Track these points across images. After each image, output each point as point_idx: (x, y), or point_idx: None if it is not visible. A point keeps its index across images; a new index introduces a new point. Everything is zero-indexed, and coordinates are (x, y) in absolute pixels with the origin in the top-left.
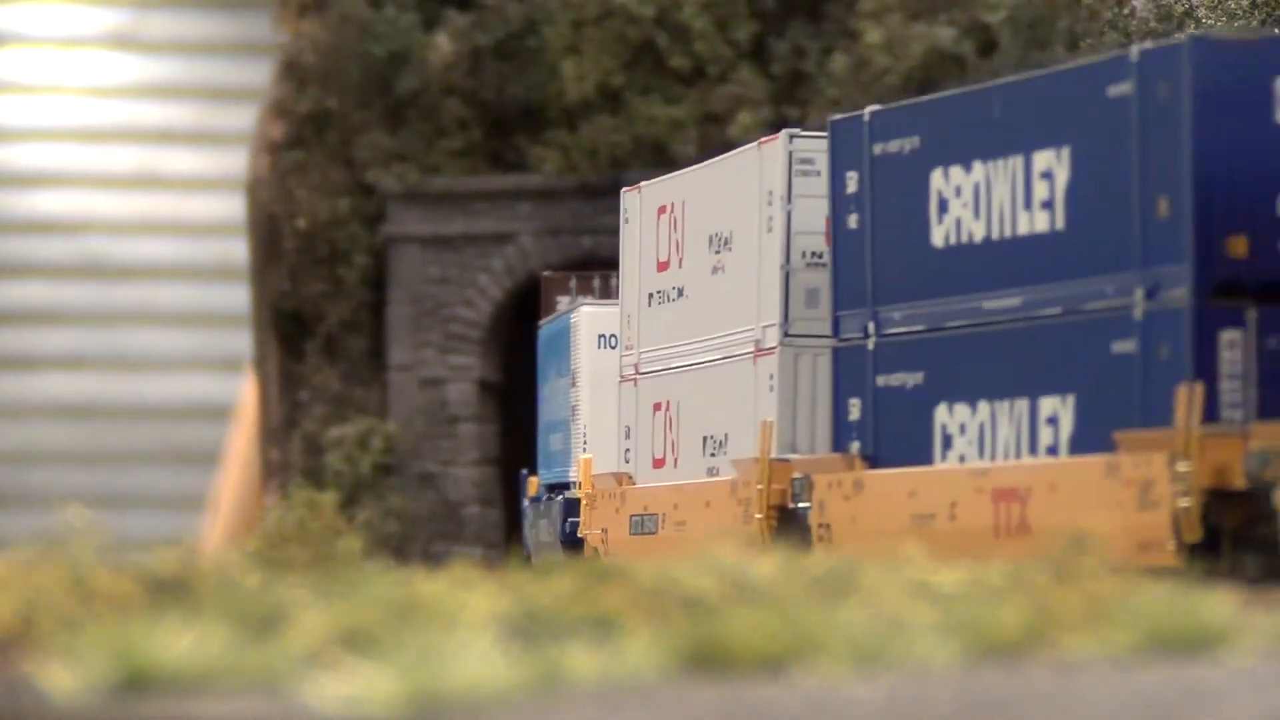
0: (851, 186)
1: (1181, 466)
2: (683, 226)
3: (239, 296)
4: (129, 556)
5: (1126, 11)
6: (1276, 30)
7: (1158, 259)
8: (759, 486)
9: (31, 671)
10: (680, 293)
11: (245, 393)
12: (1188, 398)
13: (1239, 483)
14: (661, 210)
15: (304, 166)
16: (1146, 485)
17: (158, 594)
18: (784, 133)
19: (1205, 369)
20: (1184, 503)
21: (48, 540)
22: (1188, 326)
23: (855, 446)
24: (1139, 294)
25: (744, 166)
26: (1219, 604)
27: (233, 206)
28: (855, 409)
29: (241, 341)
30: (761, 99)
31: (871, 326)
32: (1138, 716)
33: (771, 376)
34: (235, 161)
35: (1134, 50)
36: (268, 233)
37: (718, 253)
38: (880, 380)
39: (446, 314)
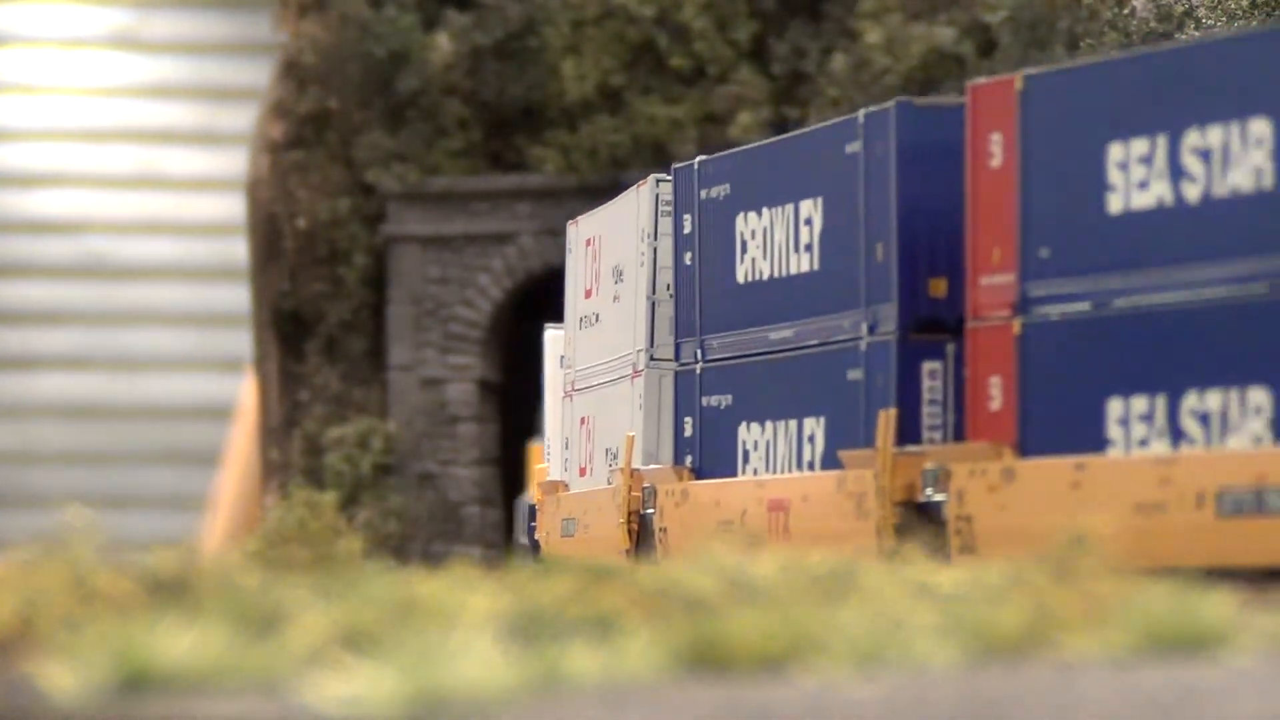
0: (687, 228)
1: (880, 482)
2: (599, 258)
3: (239, 296)
4: (129, 556)
5: (1126, 11)
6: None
7: (876, 298)
8: (624, 495)
9: (31, 671)
10: (596, 318)
11: (245, 393)
12: (885, 422)
13: (921, 497)
14: (588, 242)
15: (304, 166)
16: (861, 498)
17: (158, 594)
18: (652, 177)
19: (910, 395)
20: (884, 512)
21: (48, 540)
22: (894, 358)
23: (688, 460)
24: (864, 328)
25: (630, 205)
26: (1219, 604)
27: (233, 206)
28: (688, 426)
29: (241, 341)
30: (761, 99)
31: (699, 353)
32: (1138, 717)
33: (640, 396)
34: (235, 161)
35: (861, 113)
36: (268, 233)
37: (616, 283)
38: (705, 401)
39: (446, 314)
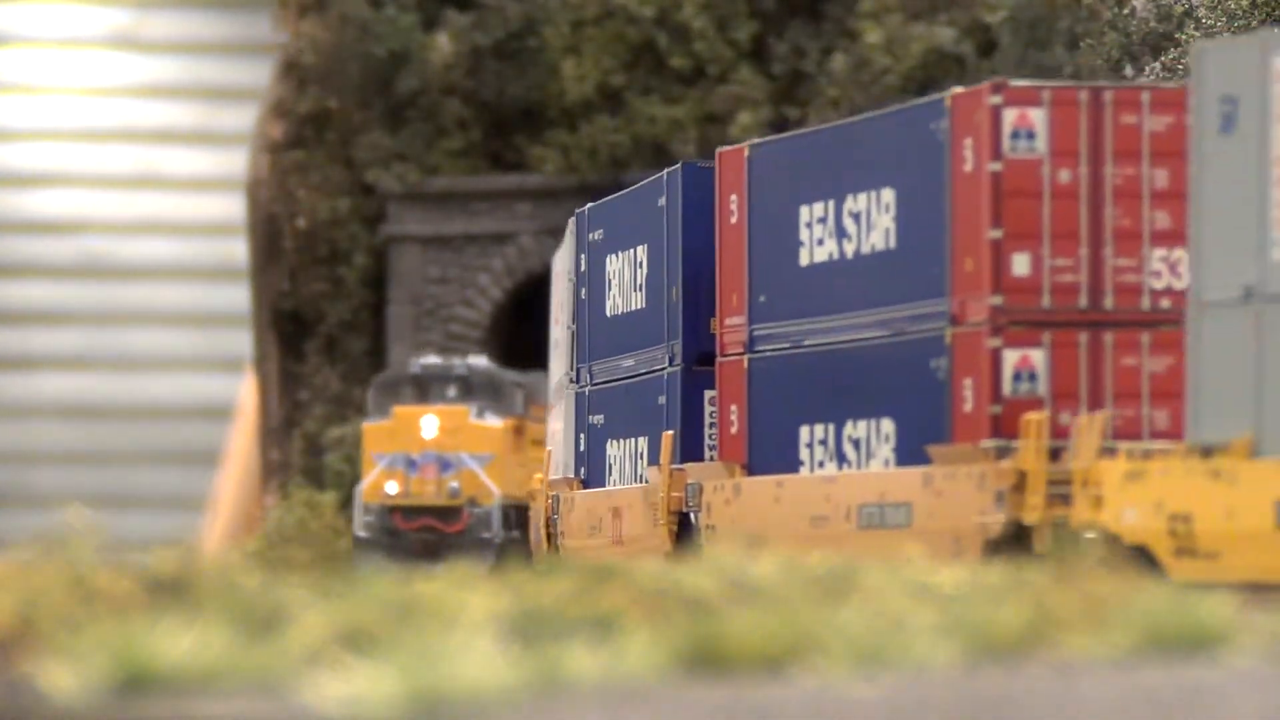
0: (582, 266)
1: (661, 495)
2: (559, 288)
3: (239, 296)
4: (129, 556)
5: (1126, 11)
6: (1276, 30)
7: (673, 334)
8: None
9: (32, 671)
10: (556, 343)
11: (245, 393)
12: (666, 444)
13: (685, 508)
14: (556, 275)
15: (304, 166)
16: (655, 508)
17: (158, 594)
18: (576, 214)
19: (693, 419)
20: (664, 521)
21: (48, 540)
22: (679, 386)
23: (581, 471)
24: (666, 360)
25: (566, 241)
26: (1217, 605)
27: (233, 206)
28: (582, 441)
29: (242, 341)
30: (761, 99)
31: (588, 377)
32: (1137, 716)
33: (564, 413)
34: (235, 162)
35: (666, 171)
36: (268, 233)
37: (562, 313)
38: (590, 419)
39: (446, 314)
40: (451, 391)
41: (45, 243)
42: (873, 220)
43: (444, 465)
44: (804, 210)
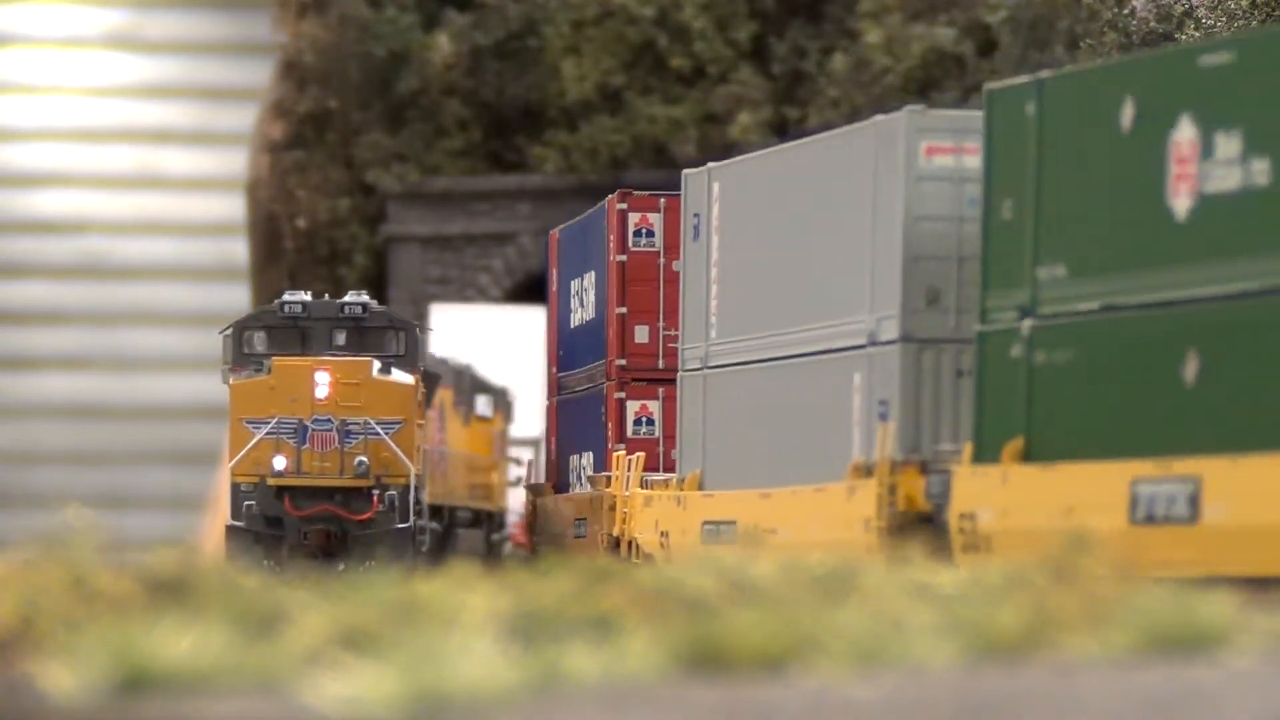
0: (555, 285)
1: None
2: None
3: (239, 296)
4: (129, 556)
5: (1126, 12)
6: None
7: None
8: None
9: (32, 671)
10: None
11: None
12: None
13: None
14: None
15: (304, 166)
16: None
17: (158, 594)
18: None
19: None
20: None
21: (48, 540)
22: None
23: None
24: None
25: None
26: (1218, 605)
27: (233, 206)
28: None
29: None
30: (762, 99)
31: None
32: (1137, 716)
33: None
34: (235, 161)
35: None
36: (268, 233)
37: None
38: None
39: None
40: (341, 338)
41: (45, 242)
42: (585, 297)
43: (344, 434)
44: (572, 283)
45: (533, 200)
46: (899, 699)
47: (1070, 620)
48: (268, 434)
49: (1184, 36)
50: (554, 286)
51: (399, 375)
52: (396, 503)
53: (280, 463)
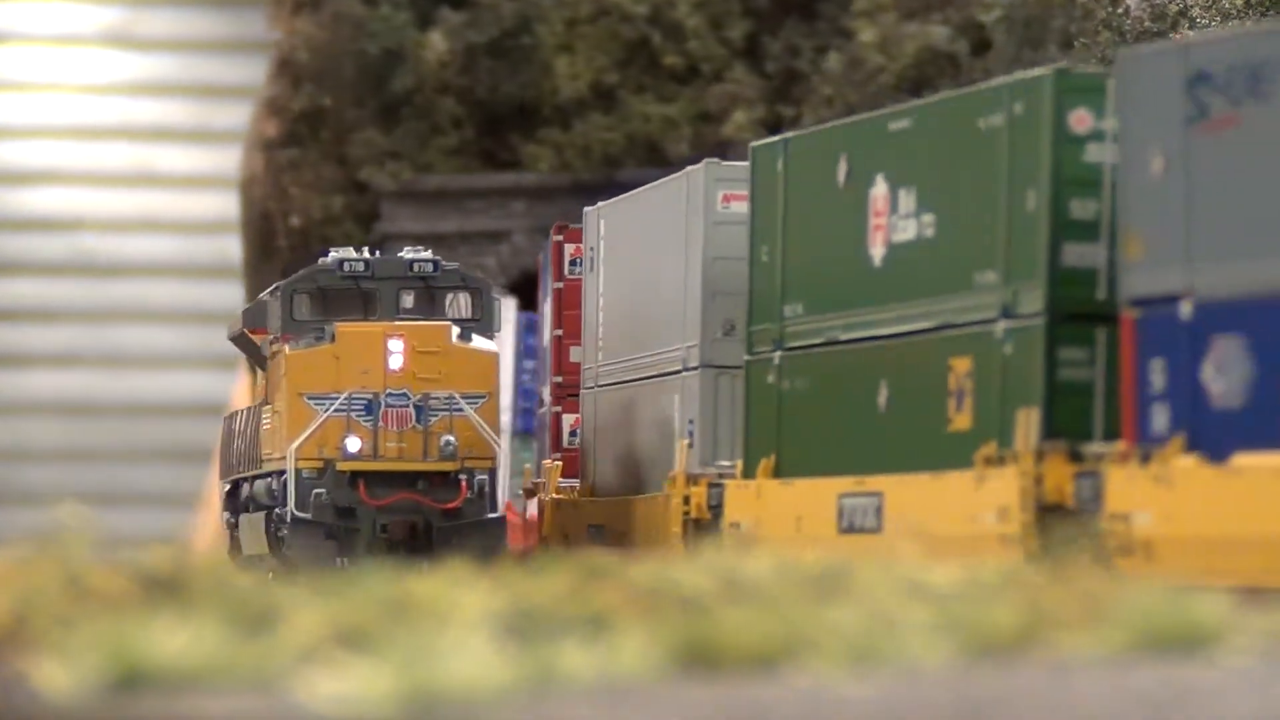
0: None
1: None
2: None
3: (233, 294)
4: (123, 554)
5: (1121, 11)
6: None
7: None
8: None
9: (26, 669)
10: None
11: (238, 390)
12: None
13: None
14: None
15: (298, 164)
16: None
17: (152, 591)
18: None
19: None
20: None
21: (42, 537)
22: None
23: None
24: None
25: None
26: (1212, 603)
27: (227, 204)
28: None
29: None
30: (755, 98)
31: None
32: (1132, 716)
33: None
34: (229, 159)
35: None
36: (262, 230)
37: None
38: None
39: None
40: (408, 300)
41: (39, 240)
42: (544, 320)
43: (421, 411)
44: (544, 306)
45: (526, 198)
46: (892, 698)
47: (1064, 619)
48: (334, 412)
49: (1178, 36)
50: (539, 309)
51: (480, 342)
52: (486, 489)
53: (354, 444)
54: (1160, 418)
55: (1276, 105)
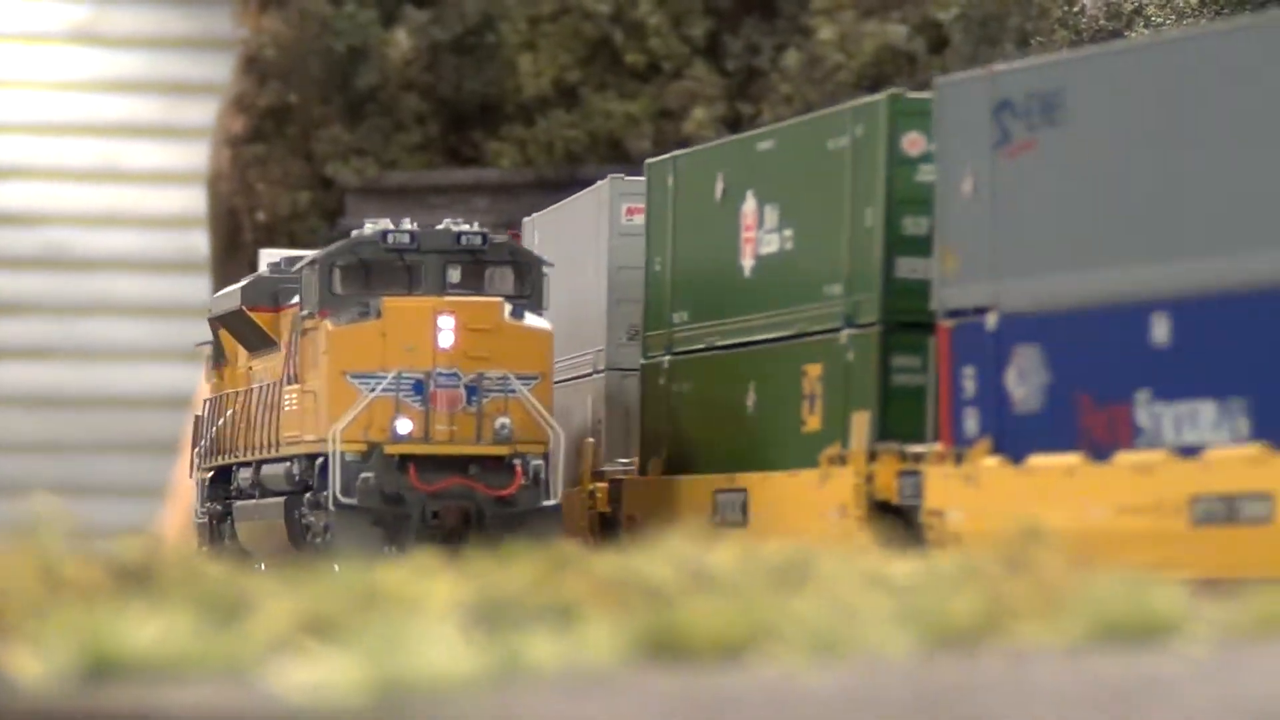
0: None
1: None
2: None
3: (200, 288)
4: (95, 545)
5: (1076, 9)
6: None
7: None
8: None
9: None
10: None
11: (203, 381)
12: None
13: None
14: None
15: (264, 160)
16: None
17: (124, 582)
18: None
19: None
20: None
21: (14, 529)
22: None
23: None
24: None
25: None
26: (1170, 594)
27: (194, 200)
28: None
29: (202, 333)
30: (716, 95)
31: None
32: (1091, 704)
33: None
34: (196, 155)
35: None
36: (228, 226)
37: None
38: None
39: None
40: (455, 275)
41: (6, 234)
42: None
43: (473, 391)
44: None
45: (489, 194)
46: (855, 687)
47: (1023, 609)
48: (382, 391)
49: (1134, 34)
50: None
51: (533, 320)
52: (542, 475)
53: (405, 426)
54: (971, 421)
55: (1068, 131)
